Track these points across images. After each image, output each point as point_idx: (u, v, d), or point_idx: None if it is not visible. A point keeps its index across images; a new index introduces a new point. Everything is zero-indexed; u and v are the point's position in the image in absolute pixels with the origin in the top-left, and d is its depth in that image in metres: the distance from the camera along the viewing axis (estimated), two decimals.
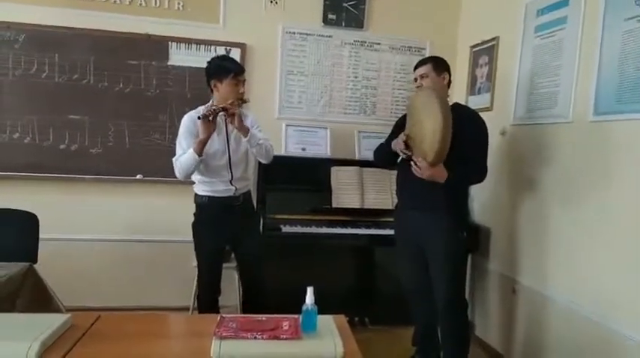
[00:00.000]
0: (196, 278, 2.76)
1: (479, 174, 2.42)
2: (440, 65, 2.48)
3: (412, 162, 2.32)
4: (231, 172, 2.52)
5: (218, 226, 2.52)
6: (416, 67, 2.53)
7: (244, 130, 2.40)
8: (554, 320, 2.53)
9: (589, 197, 2.32)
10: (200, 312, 2.61)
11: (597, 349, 2.22)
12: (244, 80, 2.49)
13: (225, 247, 2.68)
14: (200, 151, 2.37)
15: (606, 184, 2.22)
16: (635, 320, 2.03)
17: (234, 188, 2.53)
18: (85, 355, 1.40)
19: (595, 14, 2.30)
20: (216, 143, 2.47)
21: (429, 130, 2.19)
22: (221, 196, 2.52)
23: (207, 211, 2.55)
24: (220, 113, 2.37)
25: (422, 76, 2.46)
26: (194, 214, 2.60)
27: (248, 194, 2.67)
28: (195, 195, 2.58)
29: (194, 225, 2.61)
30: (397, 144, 2.44)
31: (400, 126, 2.58)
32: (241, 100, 2.44)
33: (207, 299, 2.61)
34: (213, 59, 2.52)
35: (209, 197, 2.53)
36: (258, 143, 2.46)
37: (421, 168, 2.27)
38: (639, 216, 2.03)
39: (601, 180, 2.25)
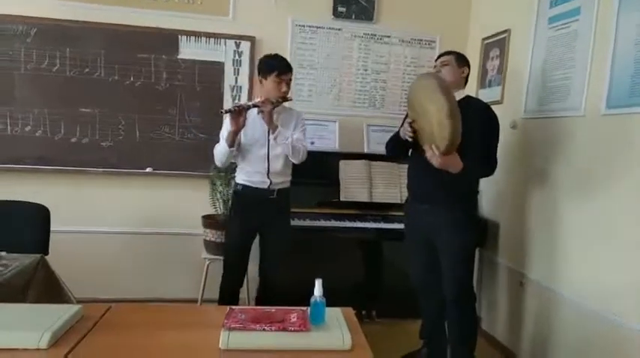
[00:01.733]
0: (205, 269, 2.78)
1: (490, 167, 2.40)
2: (462, 59, 2.49)
3: (426, 149, 2.26)
4: (269, 165, 2.55)
5: (247, 216, 2.58)
6: (438, 57, 2.54)
7: (272, 127, 2.47)
8: (562, 314, 2.51)
9: (600, 192, 2.30)
10: (220, 303, 2.62)
11: (605, 343, 2.21)
12: (289, 79, 2.54)
13: (253, 238, 2.69)
14: (231, 142, 2.45)
15: (617, 179, 2.19)
16: None
17: (269, 181, 2.56)
18: (96, 345, 1.41)
19: (609, 5, 2.26)
20: (257, 133, 2.54)
21: (435, 120, 2.14)
22: (256, 187, 2.56)
23: (241, 200, 2.62)
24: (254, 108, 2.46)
25: (443, 63, 2.46)
26: (231, 202, 2.72)
27: (286, 192, 2.66)
28: (234, 183, 2.68)
29: (229, 214, 2.72)
30: (404, 131, 2.40)
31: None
32: (283, 99, 2.51)
33: (230, 290, 2.63)
34: (263, 56, 2.62)
35: (244, 186, 2.59)
36: (285, 142, 2.48)
37: (433, 157, 2.20)
38: None
39: (612, 174, 2.23)
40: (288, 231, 2.72)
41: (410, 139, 2.37)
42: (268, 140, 2.53)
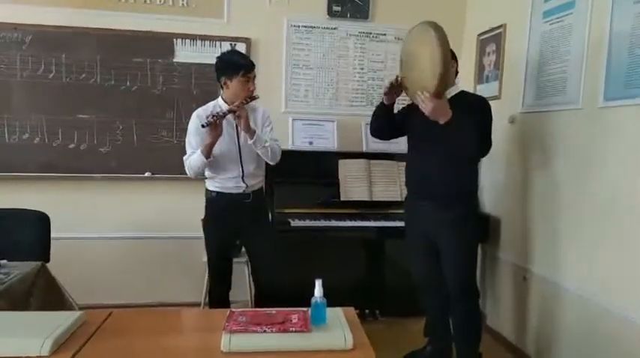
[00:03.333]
0: (207, 273, 2.78)
1: (482, 141, 2.32)
2: None
3: (417, 96, 2.22)
4: (242, 169, 2.50)
5: (226, 222, 2.52)
6: None
7: (250, 133, 2.38)
8: (566, 307, 2.51)
9: (600, 184, 2.29)
10: (211, 307, 2.62)
11: (609, 336, 2.20)
12: (254, 76, 2.45)
13: (234, 242, 2.68)
14: (208, 154, 2.37)
15: (617, 171, 2.19)
16: None
17: (245, 185, 2.51)
18: (98, 351, 1.41)
19: None
20: (226, 139, 2.45)
21: (428, 58, 2.13)
22: (231, 192, 2.51)
23: (216, 207, 2.55)
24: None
25: None
26: (205, 208, 2.62)
27: (260, 192, 2.62)
28: (206, 190, 2.58)
29: (203, 221, 2.63)
30: (387, 86, 2.39)
31: (403, 113, 2.57)
32: (251, 98, 2.41)
33: (218, 294, 2.62)
34: (223, 55, 2.49)
35: (218, 192, 2.52)
36: (264, 146, 2.43)
37: (424, 101, 2.16)
38: None
39: (612, 166, 2.22)
40: (270, 230, 2.69)
41: (394, 84, 2.35)
42: (239, 144, 2.47)
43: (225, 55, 2.50)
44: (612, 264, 2.21)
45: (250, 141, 2.40)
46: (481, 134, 2.32)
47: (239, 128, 2.44)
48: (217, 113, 2.33)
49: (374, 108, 2.63)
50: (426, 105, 2.16)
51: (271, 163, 2.55)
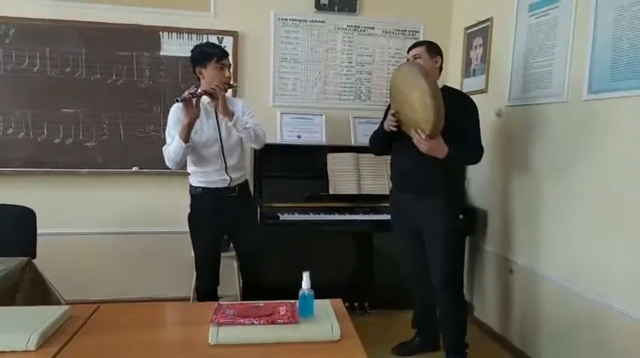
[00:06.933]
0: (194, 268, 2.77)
1: (476, 153, 2.43)
2: (433, 49, 2.48)
3: (412, 134, 2.27)
4: (225, 161, 2.48)
5: (213, 217, 2.49)
6: (410, 49, 2.53)
7: (229, 114, 2.35)
8: (550, 298, 2.55)
9: (583, 177, 2.32)
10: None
11: (592, 325, 2.24)
12: (229, 65, 2.46)
13: (221, 238, 2.66)
14: (185, 137, 2.32)
15: (601, 163, 2.22)
16: (628, 296, 2.05)
17: (229, 178, 2.49)
18: (84, 345, 1.40)
19: None
20: (206, 130, 2.43)
21: (419, 104, 2.16)
22: (215, 187, 2.48)
23: (201, 203, 2.51)
24: (204, 97, 2.35)
25: (415, 57, 2.45)
26: (190, 206, 2.58)
27: (245, 184, 2.61)
28: (190, 186, 2.55)
29: (189, 217, 2.58)
30: (388, 122, 2.42)
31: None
32: (228, 85, 2.41)
33: (206, 290, 2.59)
34: (195, 46, 2.50)
35: (203, 188, 2.49)
36: (245, 127, 2.40)
37: (419, 141, 2.23)
38: (634, 195, 2.04)
39: (596, 159, 2.25)
40: (257, 224, 2.69)
41: (394, 129, 2.38)
42: (220, 134, 2.45)
43: (198, 46, 2.52)
44: (595, 255, 2.24)
45: (230, 123, 2.37)
46: (474, 144, 2.41)
47: (219, 117, 2.43)
48: (195, 91, 2.31)
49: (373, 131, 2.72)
50: (423, 145, 2.23)
51: (256, 147, 2.53)
